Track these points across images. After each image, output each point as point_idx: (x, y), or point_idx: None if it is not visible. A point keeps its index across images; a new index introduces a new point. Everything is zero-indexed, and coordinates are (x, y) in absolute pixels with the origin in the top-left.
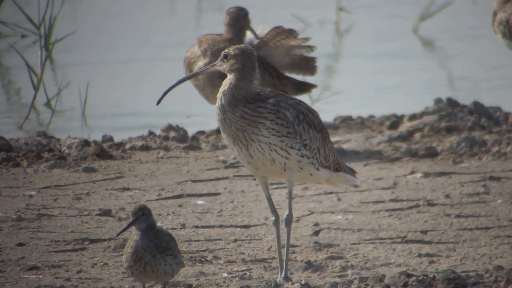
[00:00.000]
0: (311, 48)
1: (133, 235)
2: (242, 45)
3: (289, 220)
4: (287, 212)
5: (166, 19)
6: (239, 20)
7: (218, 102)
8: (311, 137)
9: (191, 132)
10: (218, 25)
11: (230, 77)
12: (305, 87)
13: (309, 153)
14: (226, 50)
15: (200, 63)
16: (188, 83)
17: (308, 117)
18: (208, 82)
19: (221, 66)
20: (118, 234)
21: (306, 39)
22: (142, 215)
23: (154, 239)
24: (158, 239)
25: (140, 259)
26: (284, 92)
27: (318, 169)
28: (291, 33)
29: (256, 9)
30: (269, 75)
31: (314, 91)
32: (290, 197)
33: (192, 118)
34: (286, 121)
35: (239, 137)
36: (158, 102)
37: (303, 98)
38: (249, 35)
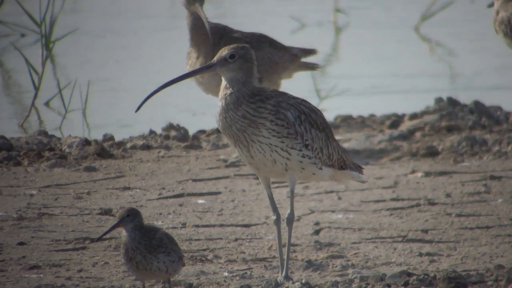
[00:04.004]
0: (317, 66)
1: (123, 236)
2: (243, 45)
3: (290, 219)
4: (288, 211)
5: (167, 18)
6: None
7: (221, 102)
8: (313, 137)
9: (192, 131)
10: (218, 17)
11: (235, 76)
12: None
13: (310, 153)
14: (231, 51)
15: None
16: (192, 81)
17: (310, 116)
18: (214, 81)
19: (224, 66)
20: (102, 236)
21: (316, 65)
22: (127, 216)
23: (142, 239)
24: (147, 238)
25: (131, 258)
26: (292, 54)
27: (321, 168)
28: (312, 66)
29: (255, 10)
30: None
31: (319, 91)
32: (292, 196)
33: (197, 116)
34: (287, 121)
35: (240, 138)
36: (138, 109)
37: (311, 97)
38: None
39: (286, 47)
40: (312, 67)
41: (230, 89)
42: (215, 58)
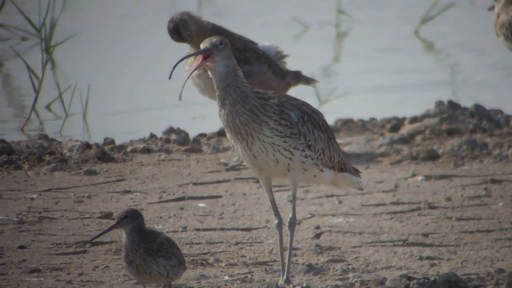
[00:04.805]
0: (314, 81)
1: (123, 238)
2: (219, 36)
3: (292, 223)
4: (291, 215)
5: (168, 15)
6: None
7: (228, 99)
8: (315, 137)
9: (192, 134)
10: (216, 18)
11: (227, 64)
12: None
13: (313, 154)
14: (218, 38)
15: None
16: (191, 84)
17: (313, 117)
18: (209, 83)
19: (218, 52)
20: (98, 236)
21: (314, 80)
22: (125, 218)
23: (141, 242)
24: (146, 241)
25: (131, 261)
26: (286, 82)
27: (322, 170)
28: (309, 82)
29: (255, 11)
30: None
31: (320, 92)
32: (294, 200)
33: (198, 119)
34: (290, 121)
35: (241, 132)
36: (170, 76)
37: (312, 100)
38: (268, 44)
39: (284, 72)
40: (309, 81)
41: (232, 85)
42: (207, 45)
